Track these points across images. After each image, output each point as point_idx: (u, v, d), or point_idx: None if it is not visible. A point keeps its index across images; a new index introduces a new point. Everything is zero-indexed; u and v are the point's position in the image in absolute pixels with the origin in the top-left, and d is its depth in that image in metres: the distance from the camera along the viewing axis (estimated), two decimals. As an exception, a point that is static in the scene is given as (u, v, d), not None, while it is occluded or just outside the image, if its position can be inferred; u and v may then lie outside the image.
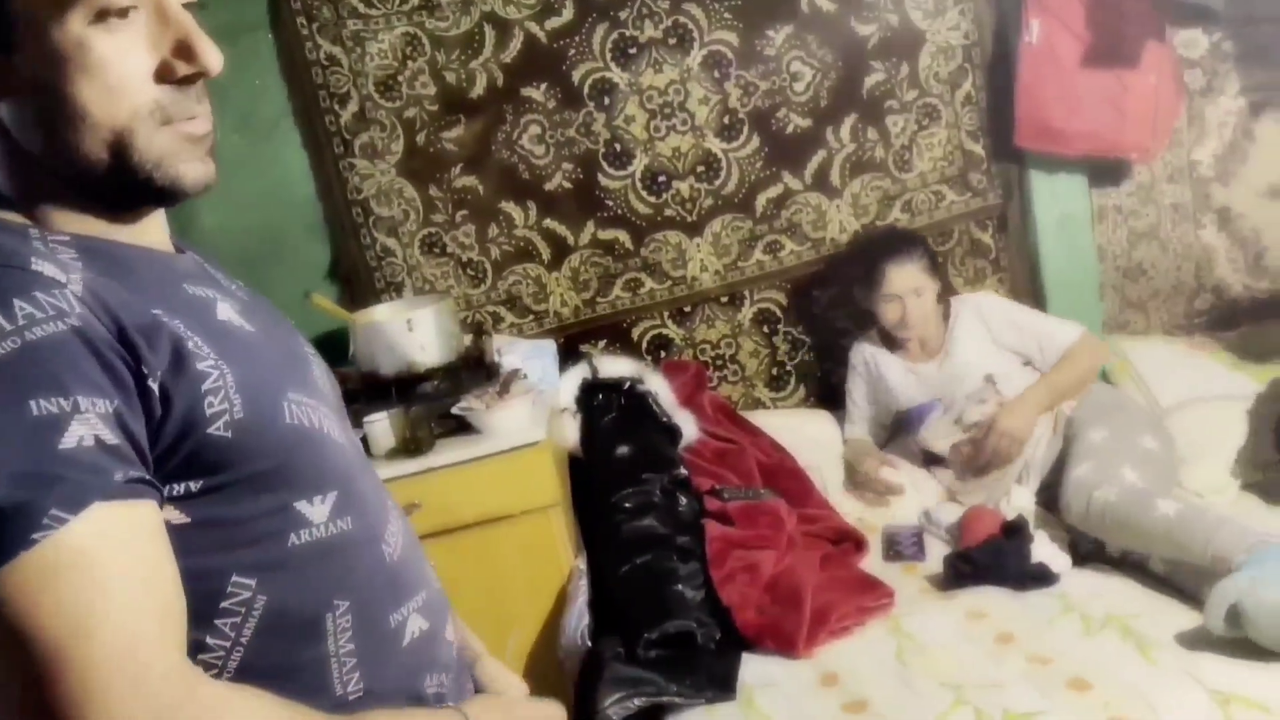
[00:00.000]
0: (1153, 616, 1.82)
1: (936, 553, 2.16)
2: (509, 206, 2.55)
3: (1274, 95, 2.66)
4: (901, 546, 2.20)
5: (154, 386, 0.71)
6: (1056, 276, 2.69)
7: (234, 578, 0.76)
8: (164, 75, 0.75)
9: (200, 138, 0.79)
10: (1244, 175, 2.70)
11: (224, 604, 0.76)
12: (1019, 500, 2.22)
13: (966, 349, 2.45)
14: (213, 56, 0.76)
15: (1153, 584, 1.93)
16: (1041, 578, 1.98)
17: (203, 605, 0.75)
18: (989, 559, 2.01)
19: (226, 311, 0.81)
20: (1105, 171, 2.65)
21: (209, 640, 0.76)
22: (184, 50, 0.75)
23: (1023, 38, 2.47)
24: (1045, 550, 2.05)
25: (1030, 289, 2.74)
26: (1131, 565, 2.02)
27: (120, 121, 0.74)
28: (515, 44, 2.48)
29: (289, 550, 0.79)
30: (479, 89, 2.49)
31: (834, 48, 2.57)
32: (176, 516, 0.74)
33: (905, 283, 2.39)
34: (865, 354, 2.56)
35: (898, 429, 2.52)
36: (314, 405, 0.84)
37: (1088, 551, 2.10)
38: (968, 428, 2.35)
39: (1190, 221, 2.73)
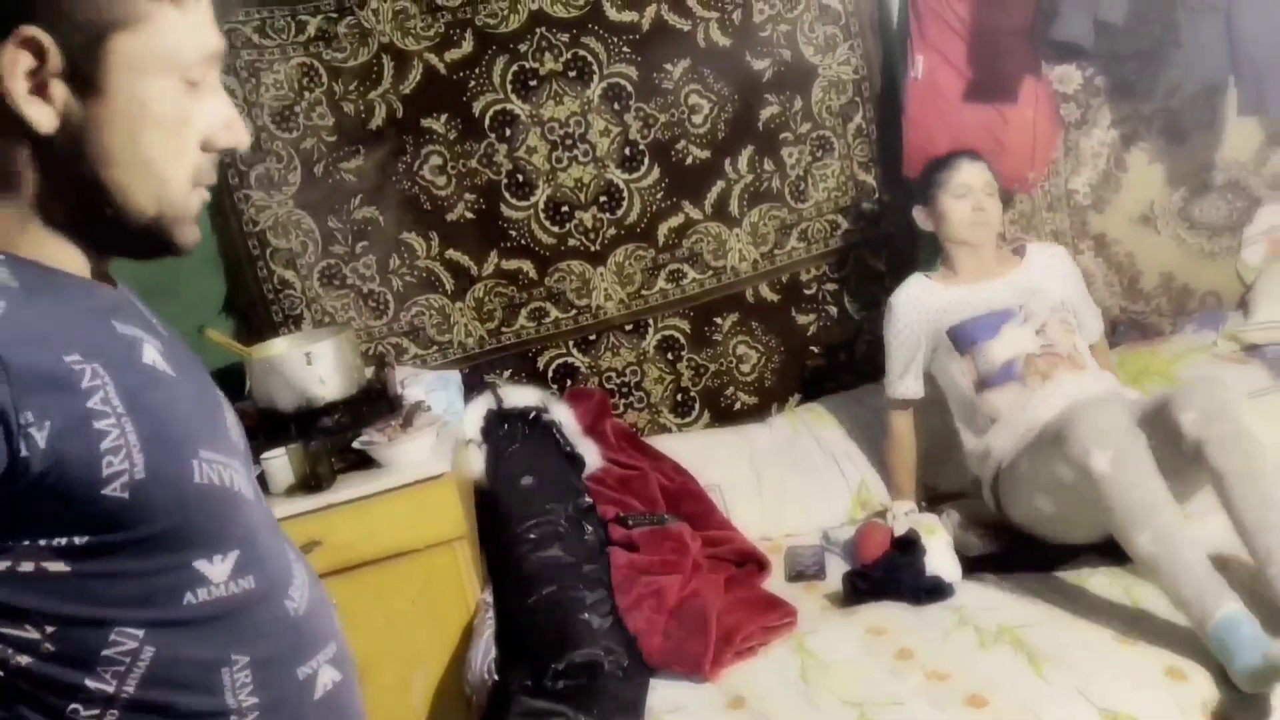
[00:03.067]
0: (1041, 627, 1.89)
1: (836, 570, 2.22)
2: (410, 237, 2.54)
3: (1142, 127, 2.83)
4: (803, 566, 2.25)
5: (35, 438, 0.69)
6: (946, 301, 2.78)
7: (119, 629, 0.75)
8: (208, 144, 0.81)
9: (203, 203, 0.85)
10: (1117, 203, 2.86)
11: (106, 653, 0.75)
12: (899, 509, 2.29)
13: (1044, 271, 2.37)
14: (246, 133, 0.84)
15: (1040, 593, 2.01)
16: (937, 591, 2.04)
17: (80, 652, 0.74)
18: (885, 575, 2.07)
19: (151, 354, 0.79)
20: (989, 201, 2.77)
21: (88, 684, 0.74)
22: (226, 123, 0.82)
23: (909, 73, 2.58)
24: (937, 561, 2.12)
25: (922, 313, 2.84)
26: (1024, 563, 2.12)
27: (175, 177, 0.80)
28: (414, 75, 2.48)
29: (183, 608, 0.78)
30: (378, 120, 2.48)
31: (730, 81, 2.64)
32: (56, 567, 0.72)
33: (978, 177, 2.32)
34: (910, 292, 2.39)
35: (952, 351, 2.32)
36: (225, 462, 0.83)
37: (977, 558, 2.18)
38: (1046, 343, 2.23)
39: (1069, 248, 2.86)
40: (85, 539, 0.73)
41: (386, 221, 2.52)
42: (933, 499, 2.48)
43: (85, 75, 0.74)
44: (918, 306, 2.37)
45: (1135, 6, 2.38)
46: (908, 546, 2.15)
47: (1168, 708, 1.65)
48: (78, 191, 0.77)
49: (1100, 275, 2.88)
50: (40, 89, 0.73)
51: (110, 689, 0.75)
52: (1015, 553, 2.18)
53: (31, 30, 0.72)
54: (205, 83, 0.80)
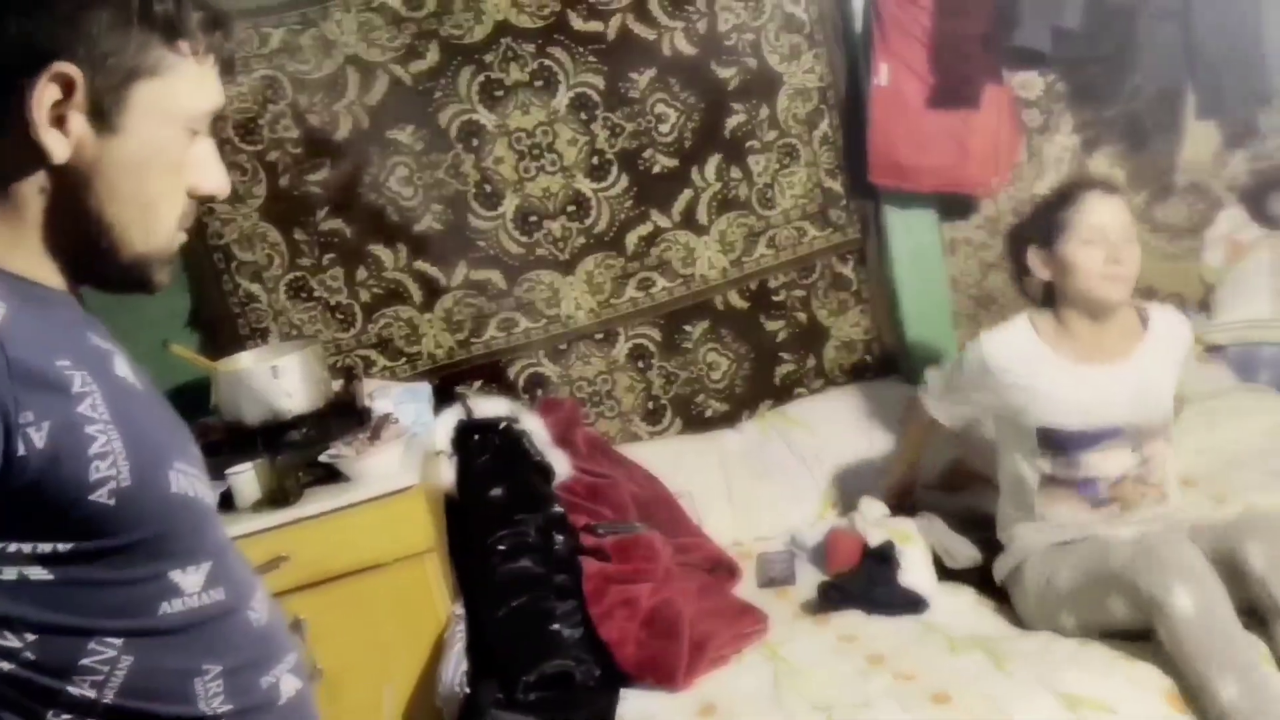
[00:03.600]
0: (1014, 637, 1.92)
1: (807, 576, 2.22)
2: (378, 249, 2.53)
3: (1103, 132, 2.86)
4: (774, 572, 2.26)
5: (33, 438, 0.71)
6: (913, 306, 2.81)
7: (98, 638, 0.77)
8: (194, 190, 0.87)
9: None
10: (1080, 207, 2.89)
11: (84, 661, 0.77)
12: (871, 512, 2.29)
13: (1162, 365, 1.98)
14: (228, 184, 0.90)
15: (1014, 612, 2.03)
16: (912, 604, 2.05)
17: (61, 661, 0.76)
18: (860, 588, 2.08)
19: (123, 367, 0.83)
20: (954, 206, 2.80)
21: (69, 690, 0.76)
22: (212, 173, 0.88)
23: (873, 80, 2.60)
24: (913, 574, 2.13)
25: (890, 319, 2.86)
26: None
27: (168, 218, 0.85)
28: (379, 86, 2.47)
29: (159, 617, 0.81)
30: (344, 131, 2.47)
31: (696, 90, 2.65)
32: (38, 574, 0.74)
33: (1116, 217, 1.91)
34: (1013, 347, 1.98)
35: (1031, 443, 1.98)
36: (196, 475, 0.86)
37: (952, 569, 2.19)
38: (1143, 468, 1.95)
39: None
40: (69, 545, 0.75)
41: (353, 233, 2.51)
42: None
43: (106, 114, 0.79)
44: (1012, 367, 1.97)
45: (1093, 13, 2.40)
46: (882, 558, 2.16)
47: (1126, 692, 1.68)
48: (77, 221, 0.81)
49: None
50: (60, 121, 0.78)
51: (90, 696, 0.77)
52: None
53: (66, 67, 0.77)
54: (201, 133, 0.87)
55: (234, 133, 2.42)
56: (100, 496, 0.75)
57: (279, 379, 2.08)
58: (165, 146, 0.83)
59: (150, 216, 0.83)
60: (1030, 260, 2.00)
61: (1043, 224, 1.98)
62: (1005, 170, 2.70)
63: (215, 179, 0.88)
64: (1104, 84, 2.77)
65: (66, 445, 0.73)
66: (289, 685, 0.91)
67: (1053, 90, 2.81)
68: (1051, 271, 1.97)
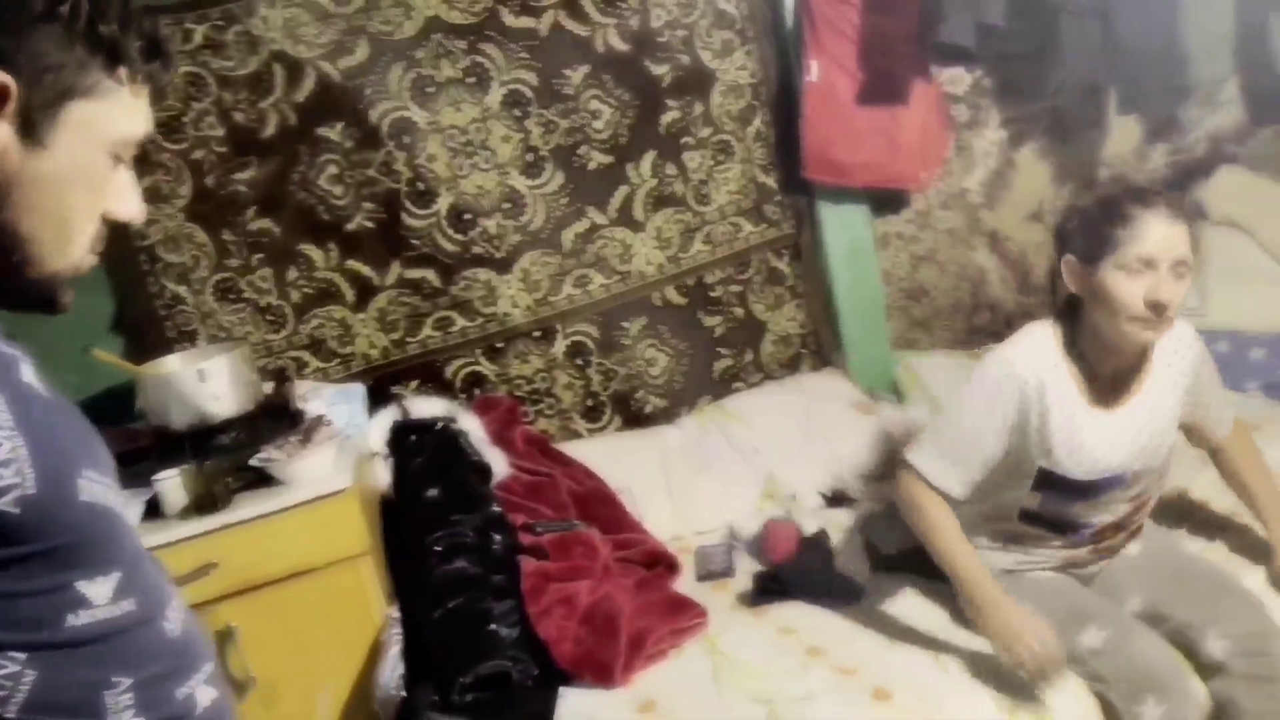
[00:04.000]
0: (949, 626, 1.92)
1: (746, 568, 2.24)
2: (308, 248, 2.49)
3: (1030, 127, 2.92)
4: (713, 565, 2.27)
5: None
6: (848, 300, 2.84)
7: (0, 654, 0.75)
8: (109, 214, 0.87)
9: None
10: (1009, 200, 2.95)
11: None
12: (807, 502, 2.31)
13: (1171, 396, 1.76)
14: (143, 210, 0.91)
15: (949, 593, 2.04)
16: (847, 594, 2.07)
17: None
18: (796, 577, 2.10)
19: (29, 374, 0.80)
20: (886, 201, 2.84)
21: None
22: (129, 198, 0.89)
23: (804, 76, 2.62)
24: (847, 561, 2.16)
25: (825, 313, 2.89)
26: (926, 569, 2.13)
27: (81, 238, 0.85)
28: (307, 83, 2.43)
29: (65, 630, 0.78)
30: (271, 129, 2.42)
31: (630, 87, 2.65)
32: None
33: (1171, 246, 1.58)
34: (1037, 371, 1.69)
35: (1026, 480, 1.78)
36: (108, 484, 0.84)
37: (887, 557, 2.22)
38: (1133, 513, 1.83)
39: (964, 245, 2.95)
40: None
41: (283, 232, 2.47)
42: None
43: (35, 128, 0.79)
44: (1035, 389, 1.69)
45: (1016, 10, 2.45)
46: (818, 547, 2.19)
47: (1063, 699, 1.70)
48: None
49: (995, 271, 2.97)
50: None
51: None
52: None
53: (3, 77, 0.77)
54: (125, 160, 0.88)
55: (157, 131, 2.36)
56: (5, 505, 0.74)
57: (206, 382, 2.04)
58: (89, 168, 0.84)
59: (65, 235, 0.83)
60: (1063, 268, 1.69)
61: (1087, 233, 1.66)
62: (935, 165, 2.75)
63: (132, 205, 0.90)
64: (1029, 80, 2.83)
65: None
66: (205, 696, 0.89)
67: (980, 86, 2.86)
68: (1082, 290, 1.67)
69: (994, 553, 1.86)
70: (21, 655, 0.76)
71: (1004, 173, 2.94)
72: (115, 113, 0.84)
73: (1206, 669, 1.71)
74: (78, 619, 0.79)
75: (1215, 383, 1.85)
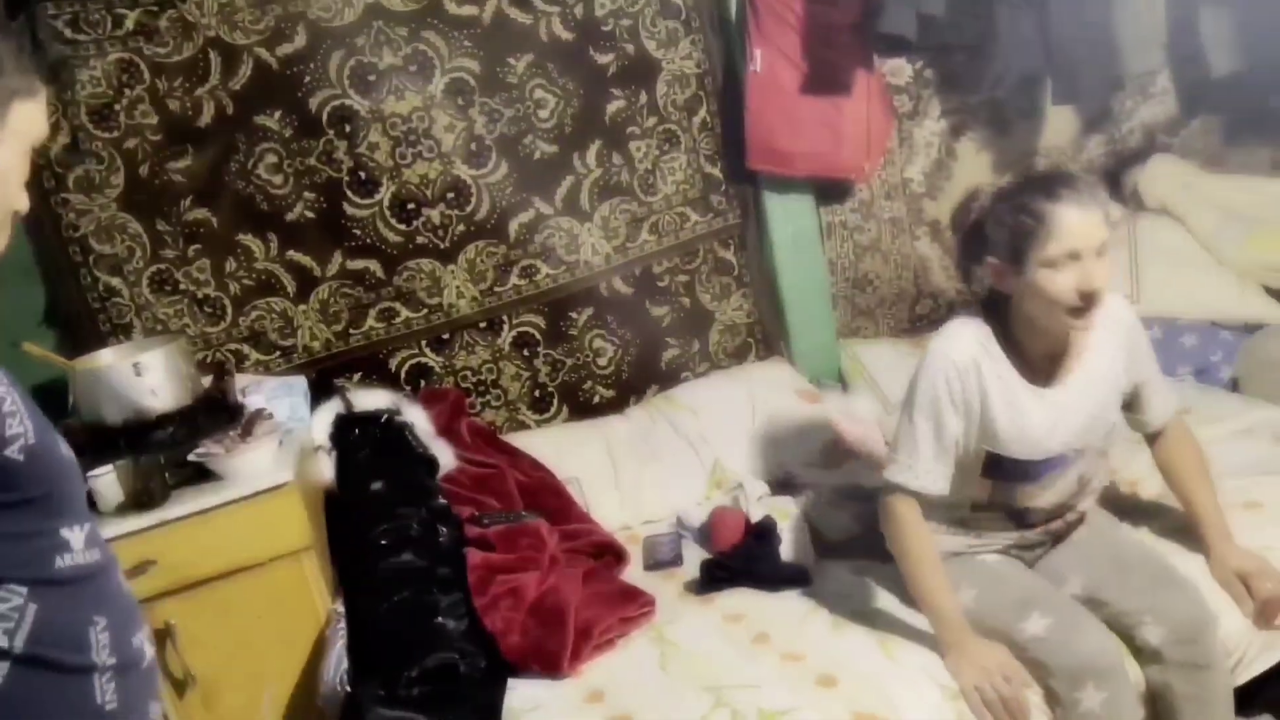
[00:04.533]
0: (892, 610, 1.95)
1: (694, 557, 2.25)
2: (247, 239, 2.44)
3: (970, 117, 2.97)
4: (661, 554, 2.27)
5: None
6: (794, 290, 2.86)
7: (6, 586, 0.85)
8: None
9: None
10: (949, 190, 2.99)
11: None
12: (753, 490, 2.33)
13: (1109, 371, 1.78)
14: (28, 203, 1.00)
15: (894, 578, 2.06)
16: (794, 580, 2.09)
17: None
18: (743, 564, 2.11)
19: None
20: (830, 190, 2.87)
21: None
22: (25, 194, 0.98)
23: (749, 66, 2.63)
24: (792, 547, 2.18)
25: (772, 303, 2.91)
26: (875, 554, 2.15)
27: (9, 232, 0.96)
28: (245, 71, 2.38)
29: (55, 570, 0.88)
30: (207, 117, 2.37)
31: (575, 76, 2.64)
32: None
33: (1089, 234, 1.59)
34: (972, 354, 1.70)
35: (980, 473, 1.80)
36: (67, 444, 0.94)
37: (832, 543, 2.24)
38: (1077, 497, 1.87)
39: (907, 234, 2.99)
40: None
41: (220, 223, 2.42)
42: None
43: None
44: (974, 375, 1.71)
45: (956, 1, 2.48)
46: (764, 534, 2.20)
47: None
48: None
49: (936, 260, 3.01)
50: None
51: (4, 645, 0.84)
52: (873, 537, 2.24)
53: None
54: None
55: (88, 119, 2.30)
56: (13, 452, 0.83)
57: (142, 376, 1.99)
58: (21, 164, 0.94)
59: (5, 227, 0.93)
60: (989, 270, 1.70)
61: (1006, 236, 1.65)
62: (878, 155, 2.77)
63: (26, 200, 0.99)
64: (969, 71, 2.87)
65: None
66: (148, 650, 1.00)
67: (921, 77, 2.90)
68: (1012, 289, 1.67)
69: (945, 536, 1.87)
70: (24, 589, 0.86)
71: (945, 163, 2.98)
72: (40, 114, 0.95)
73: (1143, 655, 1.75)
74: (64, 561, 0.89)
75: (1151, 359, 1.86)
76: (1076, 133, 3.04)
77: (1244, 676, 1.83)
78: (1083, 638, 1.70)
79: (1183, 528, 1.95)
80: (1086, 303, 1.60)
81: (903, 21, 2.36)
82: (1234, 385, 2.56)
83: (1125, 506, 2.10)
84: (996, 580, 1.83)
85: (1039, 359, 1.73)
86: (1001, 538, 1.89)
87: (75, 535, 0.91)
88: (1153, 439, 1.92)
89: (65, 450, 0.92)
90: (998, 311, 1.74)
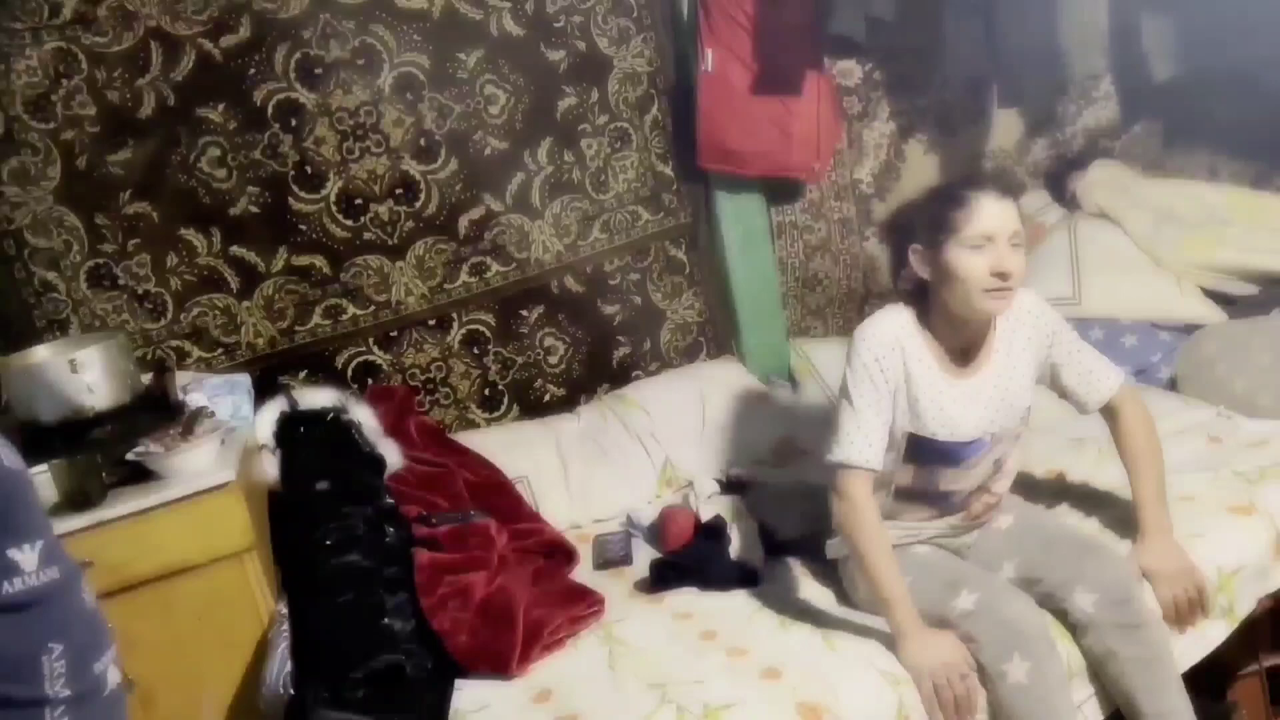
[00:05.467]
0: (839, 607, 1.97)
1: (644, 556, 2.25)
2: (189, 233, 2.39)
3: (917, 120, 3.00)
4: (611, 553, 2.27)
5: None
6: (744, 289, 2.87)
7: None
8: None
9: None
10: (898, 191, 3.02)
11: None
12: (704, 489, 2.33)
13: (1021, 362, 1.88)
14: None
15: (839, 576, 2.06)
16: (744, 579, 2.10)
17: None
18: (693, 563, 2.11)
19: None
20: (781, 190, 2.88)
21: None
22: None
23: (700, 66, 2.64)
24: (742, 546, 2.18)
25: (723, 302, 2.92)
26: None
27: None
28: (187, 62, 2.33)
29: (3, 596, 0.82)
30: (148, 109, 2.31)
31: (526, 72, 2.62)
32: None
33: (1006, 225, 1.71)
34: (892, 333, 1.82)
35: (901, 456, 1.87)
36: (17, 453, 0.87)
37: (782, 541, 2.25)
38: (993, 481, 1.94)
39: (856, 234, 3.01)
40: None
41: (161, 217, 2.36)
42: None
43: None
44: (899, 354, 1.81)
45: (905, 4, 2.51)
46: (715, 533, 2.21)
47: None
48: None
49: (885, 261, 3.04)
50: None
51: None
52: (821, 535, 2.26)
53: None
54: None
55: (23, 109, 2.24)
56: None
57: (79, 373, 1.94)
58: None
59: None
60: (911, 257, 1.81)
61: (927, 221, 1.78)
62: (827, 155, 2.79)
63: None
64: (917, 74, 2.90)
65: None
66: (113, 676, 0.92)
67: (871, 78, 2.92)
68: (931, 273, 1.78)
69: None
70: None
71: (894, 164, 3.01)
72: None
73: (1080, 628, 1.78)
74: (13, 586, 0.82)
75: (1082, 347, 1.93)
76: (1022, 135, 3.08)
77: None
78: (1010, 610, 1.75)
79: (1124, 518, 1.99)
80: (999, 283, 1.71)
81: (852, 24, 2.38)
82: (1173, 385, 2.61)
83: (1072, 499, 2.15)
84: (926, 567, 1.88)
85: (956, 348, 1.84)
86: (926, 526, 1.94)
87: (26, 556, 0.83)
88: (1109, 415, 1.95)
89: (12, 460, 0.84)
90: (919, 304, 1.85)
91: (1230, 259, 2.77)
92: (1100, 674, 1.80)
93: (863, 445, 1.79)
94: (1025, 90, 2.79)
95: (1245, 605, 1.93)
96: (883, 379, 1.80)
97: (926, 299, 1.83)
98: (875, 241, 3.04)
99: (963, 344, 1.84)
